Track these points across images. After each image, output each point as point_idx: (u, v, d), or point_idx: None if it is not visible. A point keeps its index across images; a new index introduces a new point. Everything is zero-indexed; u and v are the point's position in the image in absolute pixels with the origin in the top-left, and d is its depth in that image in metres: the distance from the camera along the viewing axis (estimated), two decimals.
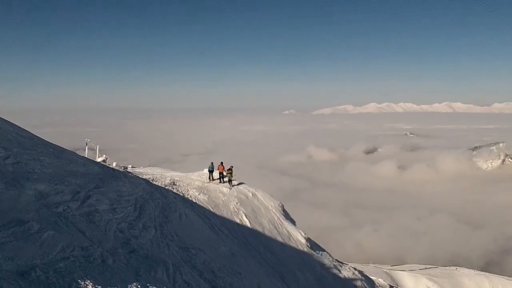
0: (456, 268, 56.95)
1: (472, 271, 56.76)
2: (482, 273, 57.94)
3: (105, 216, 16.20)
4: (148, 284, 11.10)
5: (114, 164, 34.02)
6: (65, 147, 24.90)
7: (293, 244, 31.74)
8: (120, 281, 10.81)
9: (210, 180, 35.14)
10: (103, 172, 22.05)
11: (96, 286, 9.76)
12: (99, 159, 35.32)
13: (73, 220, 14.18)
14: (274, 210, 34.11)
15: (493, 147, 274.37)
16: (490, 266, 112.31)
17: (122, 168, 33.37)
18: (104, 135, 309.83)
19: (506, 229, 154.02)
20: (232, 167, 34.84)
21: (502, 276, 57.84)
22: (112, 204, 17.84)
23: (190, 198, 28.59)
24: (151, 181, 28.41)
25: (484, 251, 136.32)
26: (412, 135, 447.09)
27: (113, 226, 15.61)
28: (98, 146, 40.29)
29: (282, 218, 33.99)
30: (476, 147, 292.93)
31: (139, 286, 10.66)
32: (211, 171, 35.71)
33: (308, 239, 34.03)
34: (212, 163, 35.93)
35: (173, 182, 31.03)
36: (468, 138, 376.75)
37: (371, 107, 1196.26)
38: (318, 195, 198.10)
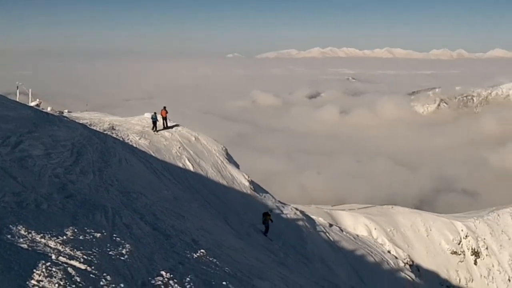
0: (392, 207, 59.29)
1: (406, 209, 59.34)
2: (416, 210, 60.75)
3: (39, 161, 15.58)
4: (85, 228, 10.79)
5: (48, 109, 32.69)
6: None
7: (236, 187, 31.97)
8: (56, 225, 10.44)
9: (154, 130, 33.14)
10: (36, 116, 21.12)
11: (29, 230, 9.38)
12: (32, 104, 33.85)
13: (4, 165, 13.56)
14: (217, 154, 34.09)
15: (430, 92, 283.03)
16: (423, 204, 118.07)
17: (58, 112, 32.14)
18: (38, 79, 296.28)
19: (439, 170, 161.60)
20: (270, 212, 27.20)
21: (433, 213, 60.99)
22: (46, 149, 17.18)
23: (131, 143, 28.04)
24: (88, 126, 27.55)
25: (418, 191, 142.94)
26: (354, 80, 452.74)
27: (47, 171, 15.04)
28: (30, 90, 38.58)
29: (225, 162, 34.07)
30: (414, 92, 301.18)
31: (76, 230, 10.33)
32: (154, 121, 33.30)
33: (251, 182, 34.37)
34: (155, 112, 33.62)
35: (112, 127, 30.29)
36: (407, 83, 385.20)
37: (315, 51, 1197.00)
38: (262, 140, 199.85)
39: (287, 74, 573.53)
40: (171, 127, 34.90)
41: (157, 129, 33.49)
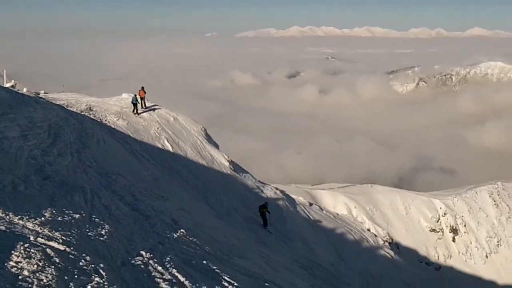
0: (371, 186, 59.74)
1: (385, 188, 59.93)
2: (395, 189, 61.41)
3: (15, 143, 15.43)
4: (64, 209, 10.74)
5: (24, 90, 32.06)
6: None
7: (216, 167, 31.98)
8: (34, 207, 10.39)
9: (135, 113, 32.21)
10: (12, 98, 20.81)
11: (7, 212, 9.32)
12: (7, 85, 33.19)
13: None
14: (196, 134, 33.96)
15: (409, 71, 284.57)
16: (402, 183, 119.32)
17: (33, 94, 31.57)
18: (13, 60, 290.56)
19: (418, 149, 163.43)
20: (266, 204, 27.17)
21: (412, 192, 61.74)
22: (23, 131, 17.00)
23: (108, 124, 27.74)
24: (65, 107, 27.17)
25: (397, 169, 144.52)
26: (333, 59, 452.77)
27: (24, 153, 14.92)
28: (5, 71, 37.87)
29: (205, 142, 33.98)
30: (393, 71, 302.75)
31: (54, 211, 10.29)
32: (135, 104, 32.35)
33: (231, 162, 34.40)
34: (135, 95, 32.63)
35: (90, 108, 29.84)
36: (386, 63, 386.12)
37: (294, 30, 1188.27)
38: (241, 120, 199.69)
39: (266, 53, 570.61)
40: (149, 107, 34.58)
41: (138, 111, 32.68)
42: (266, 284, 11.05)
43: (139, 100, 33.14)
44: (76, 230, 9.40)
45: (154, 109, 34.46)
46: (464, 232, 54.33)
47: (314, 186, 62.48)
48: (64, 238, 8.55)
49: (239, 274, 10.79)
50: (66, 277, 6.93)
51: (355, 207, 48.90)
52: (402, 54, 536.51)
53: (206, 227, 16.48)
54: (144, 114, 32.58)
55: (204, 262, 10.29)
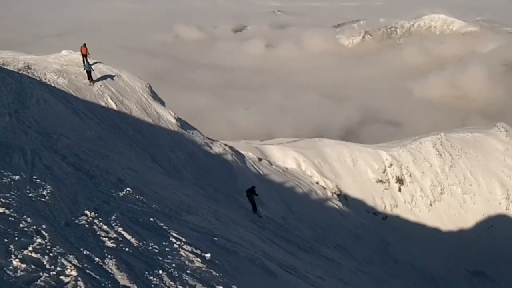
0: (319, 139, 60.50)
1: (333, 141, 60.88)
2: (342, 142, 62.48)
3: None
4: (2, 170, 10.33)
5: None
6: None
7: (163, 125, 31.60)
8: None
9: (90, 81, 30.17)
10: None
11: None
12: None
13: None
14: (141, 91, 33.28)
15: (355, 24, 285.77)
16: (349, 135, 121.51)
17: None
18: None
19: (364, 102, 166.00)
20: (254, 187, 25.67)
21: (359, 144, 63.04)
22: None
23: (48, 82, 26.74)
24: (1, 65, 25.94)
25: (345, 122, 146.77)
26: (280, 13, 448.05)
27: None
28: None
29: (150, 99, 33.40)
30: (339, 24, 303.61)
31: None
32: (89, 71, 30.24)
33: (178, 119, 34.05)
34: (88, 62, 30.64)
35: (28, 66, 28.61)
36: (332, 16, 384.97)
37: None
38: (188, 76, 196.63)
39: (210, 6, 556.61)
40: (92, 64, 33.37)
41: (93, 79, 30.64)
42: (215, 238, 11.09)
43: (79, 56, 31.84)
44: (15, 191, 9.07)
45: (96, 66, 33.34)
46: (410, 182, 56.22)
47: (263, 141, 62.74)
48: (3, 200, 8.24)
49: (187, 230, 10.77)
50: (5, 240, 6.69)
51: (304, 161, 49.56)
52: (348, 7, 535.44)
53: (154, 185, 16.32)
54: (85, 71, 31.36)
55: (151, 219, 10.20)
